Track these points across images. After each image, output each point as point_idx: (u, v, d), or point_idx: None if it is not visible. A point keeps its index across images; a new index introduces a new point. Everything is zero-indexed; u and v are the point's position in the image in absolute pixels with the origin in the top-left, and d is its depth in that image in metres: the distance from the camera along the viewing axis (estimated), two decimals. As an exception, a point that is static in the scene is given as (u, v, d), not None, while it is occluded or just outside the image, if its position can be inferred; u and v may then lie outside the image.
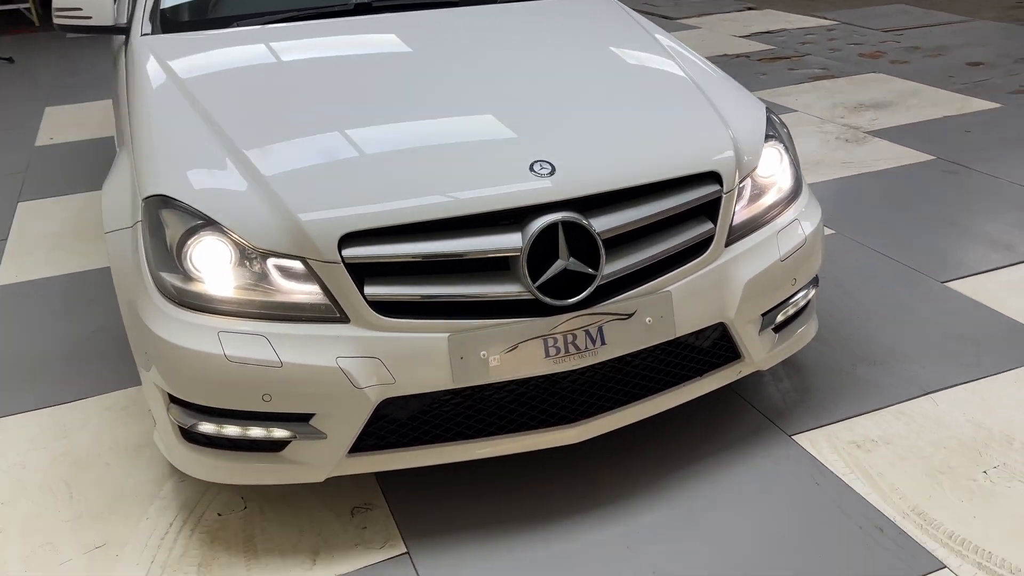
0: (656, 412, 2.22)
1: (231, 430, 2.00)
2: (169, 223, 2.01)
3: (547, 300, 1.97)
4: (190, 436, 2.08)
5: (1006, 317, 3.00)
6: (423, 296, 1.95)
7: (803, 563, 2.03)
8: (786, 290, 2.32)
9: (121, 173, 2.28)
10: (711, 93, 2.48)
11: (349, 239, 1.93)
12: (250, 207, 1.98)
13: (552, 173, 2.03)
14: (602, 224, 2.01)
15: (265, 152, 2.11)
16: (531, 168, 2.04)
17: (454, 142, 2.14)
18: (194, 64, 2.55)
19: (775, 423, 2.50)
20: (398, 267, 1.96)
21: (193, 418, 2.02)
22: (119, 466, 2.47)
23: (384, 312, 1.94)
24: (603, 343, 2.04)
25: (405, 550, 2.13)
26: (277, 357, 1.90)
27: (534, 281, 1.96)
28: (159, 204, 2.04)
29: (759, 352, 2.31)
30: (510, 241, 1.96)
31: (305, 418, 1.97)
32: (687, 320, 2.13)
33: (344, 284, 1.93)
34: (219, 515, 2.27)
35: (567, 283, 1.99)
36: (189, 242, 1.97)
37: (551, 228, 1.96)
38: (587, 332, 2.03)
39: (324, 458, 2.02)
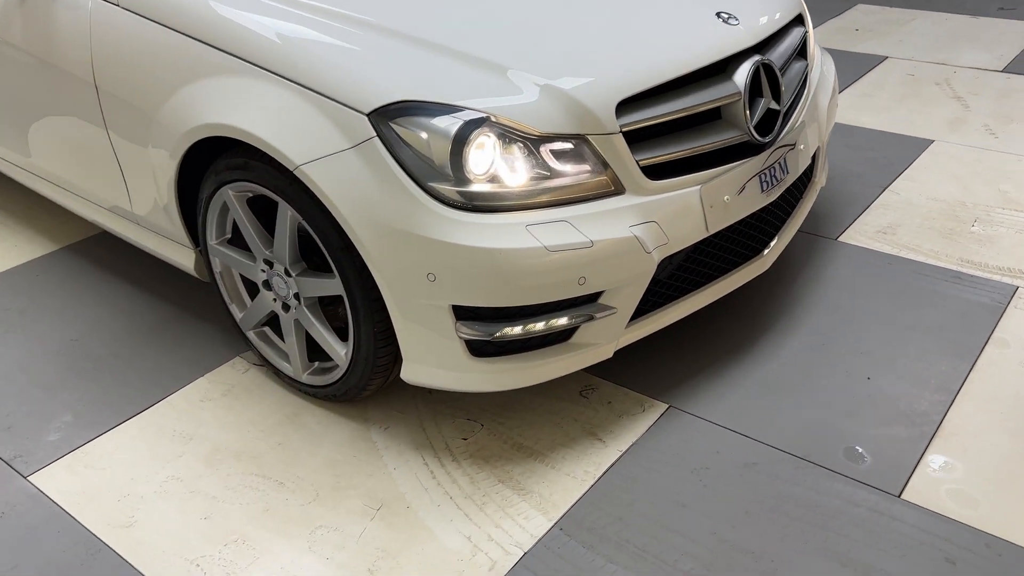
0: (797, 227, 2.53)
1: (528, 328, 1.94)
2: (429, 128, 1.84)
3: (759, 139, 2.18)
4: (479, 350, 1.96)
5: None
6: (674, 154, 2.04)
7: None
8: (833, 119, 2.74)
9: (266, 97, 1.97)
10: None
11: (621, 107, 1.95)
12: (515, 93, 1.89)
13: (738, 22, 2.21)
14: (775, 63, 2.25)
15: (485, 38, 2.00)
16: (721, 19, 2.19)
17: (642, 4, 2.21)
18: None
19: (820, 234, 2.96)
20: (652, 130, 2.03)
21: (489, 327, 1.92)
22: (302, 440, 2.19)
23: (650, 176, 2.00)
24: (786, 172, 2.31)
25: (666, 404, 2.24)
26: (587, 238, 1.89)
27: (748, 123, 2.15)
28: (404, 111, 1.85)
29: (822, 175, 2.72)
30: (730, 87, 2.12)
31: (595, 297, 1.98)
32: (811, 145, 2.46)
33: (622, 153, 1.95)
34: (464, 439, 2.16)
35: (764, 122, 2.21)
36: (470, 139, 1.83)
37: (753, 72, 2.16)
38: (780, 164, 2.27)
39: (610, 333, 2.04)
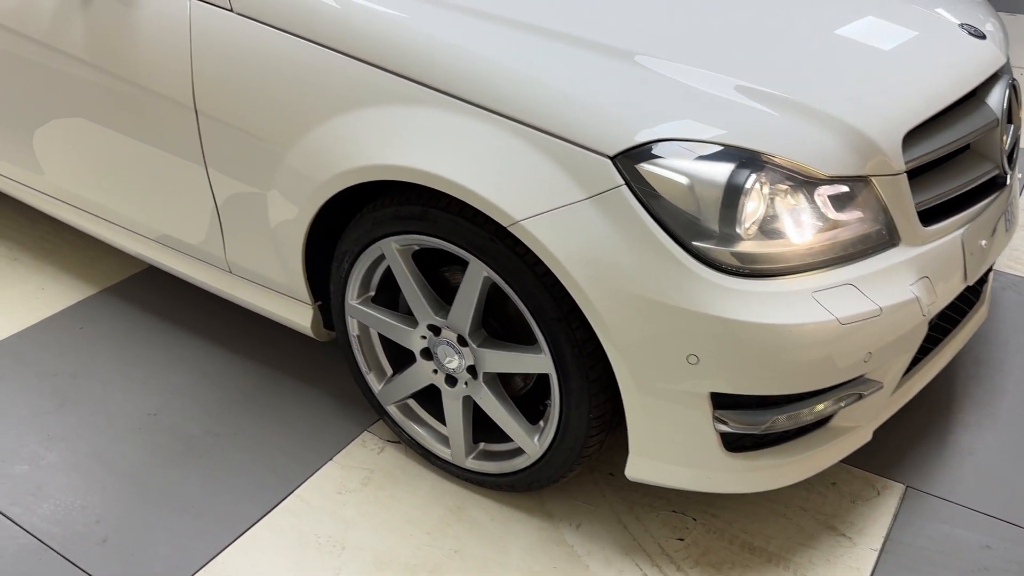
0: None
1: (796, 416, 1.58)
2: (693, 173, 1.46)
3: (1007, 170, 1.86)
4: (734, 444, 1.59)
5: None
6: (945, 195, 1.71)
7: None
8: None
9: (466, 135, 1.56)
10: None
11: (904, 141, 1.60)
12: (790, 127, 1.52)
13: (984, 36, 1.88)
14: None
15: (736, 58, 1.62)
16: (967, 32, 1.86)
17: (880, 17, 1.85)
18: None
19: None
20: (920, 168, 1.69)
21: (755, 417, 1.55)
22: (482, 544, 1.79)
23: (924, 221, 1.67)
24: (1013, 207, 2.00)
25: (902, 484, 1.91)
26: (876, 304, 1.54)
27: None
28: (659, 153, 1.46)
29: None
30: (988, 113, 1.79)
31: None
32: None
33: (904, 197, 1.61)
34: (680, 539, 1.80)
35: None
36: (746, 186, 1.46)
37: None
38: (1011, 199, 1.97)
39: (871, 412, 1.70)
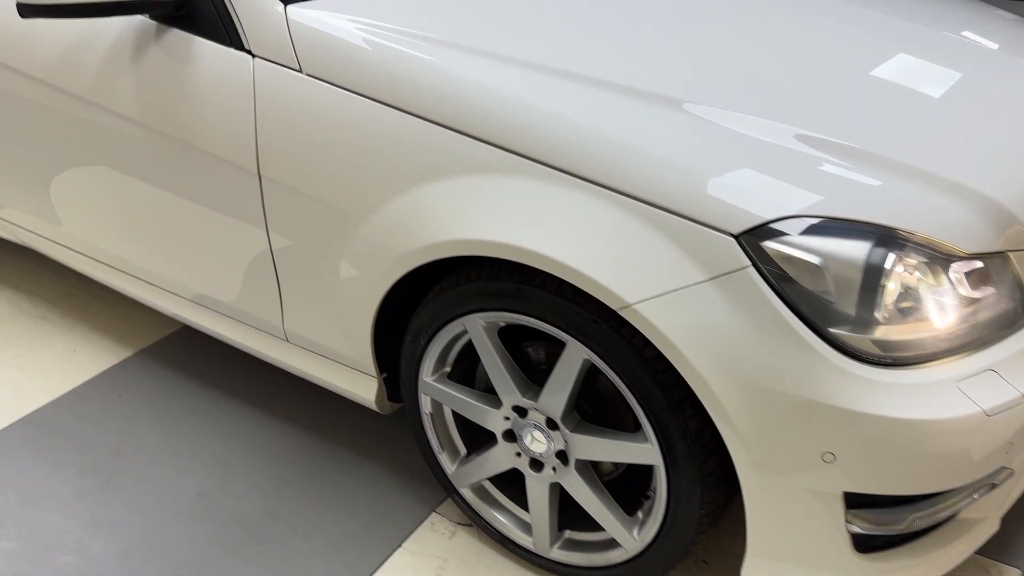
0: None
1: (933, 513, 1.45)
2: (828, 253, 1.33)
3: None
4: (864, 544, 1.46)
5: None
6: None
7: None
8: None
9: (569, 210, 1.44)
10: None
11: None
12: (925, 200, 1.40)
13: None
14: None
15: (854, 120, 1.51)
16: None
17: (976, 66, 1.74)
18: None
19: None
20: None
21: (891, 516, 1.42)
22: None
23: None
24: None
25: (1016, 569, 1.78)
26: (1018, 391, 1.41)
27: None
28: (788, 231, 1.34)
29: None
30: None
31: (994, 460, 1.51)
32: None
33: (1035, 270, 1.49)
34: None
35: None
36: (887, 266, 1.33)
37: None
38: None
39: (999, 501, 1.57)
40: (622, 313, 1.40)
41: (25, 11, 1.70)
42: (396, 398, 1.93)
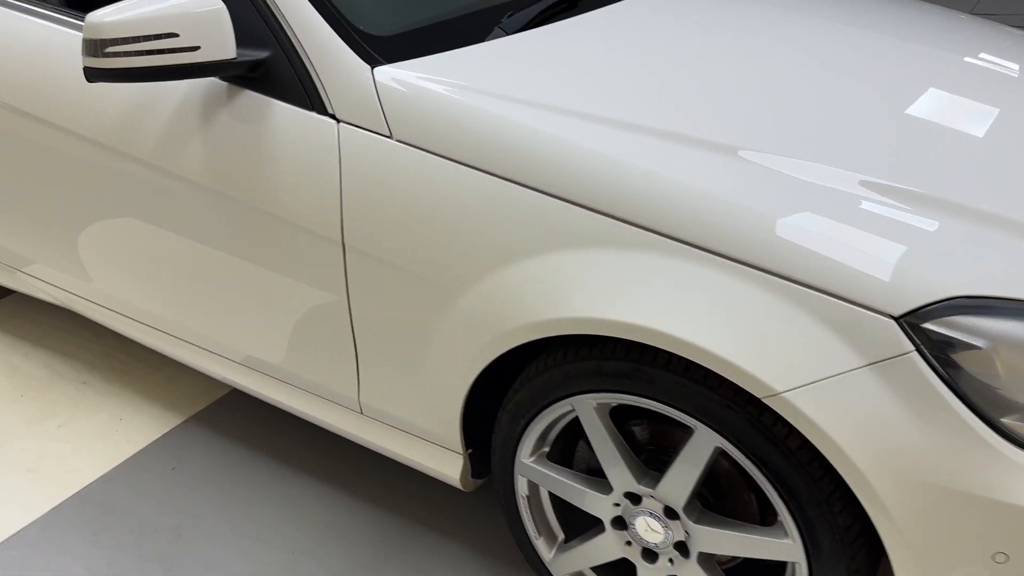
0: None
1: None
2: (999, 336, 1.22)
3: None
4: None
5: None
6: None
7: None
8: None
9: (704, 289, 1.32)
10: None
11: None
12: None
13: None
14: None
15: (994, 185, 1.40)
16: None
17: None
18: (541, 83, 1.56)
19: None
20: None
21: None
22: None
23: None
24: None
25: None
26: None
27: None
28: (953, 312, 1.23)
29: None
30: None
31: None
32: None
33: None
34: None
35: None
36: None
37: None
38: None
39: None
40: (767, 401, 1.28)
41: (93, 75, 1.59)
42: (479, 474, 1.81)
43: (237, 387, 2.06)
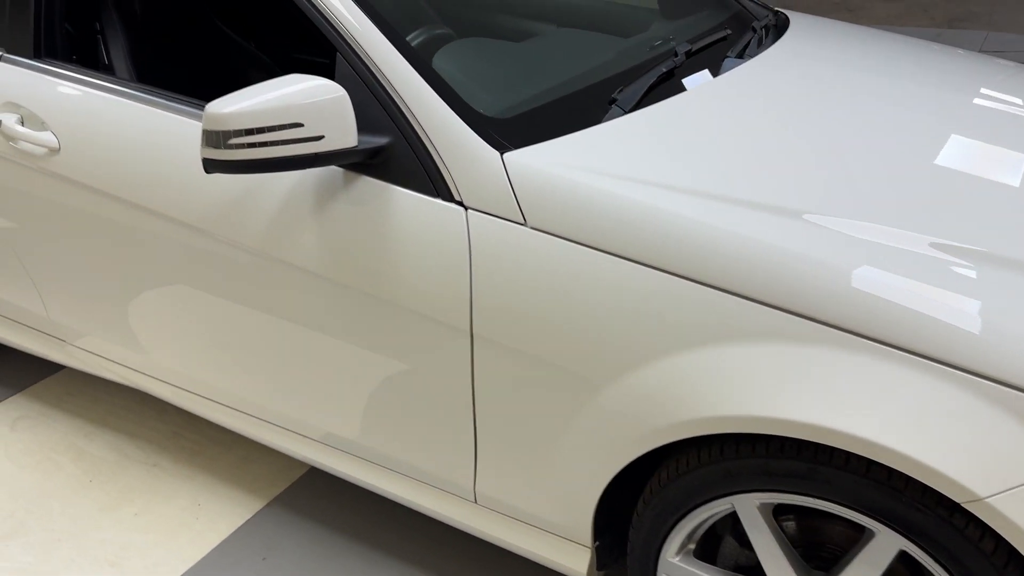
0: None
1: None
2: None
3: None
4: None
5: None
6: None
7: None
8: None
9: (894, 388, 1.26)
10: None
11: None
12: None
13: None
14: None
15: None
16: None
17: None
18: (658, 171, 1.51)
19: None
20: None
21: None
22: None
23: None
24: None
25: None
26: None
27: None
28: None
29: None
30: None
31: None
32: None
33: None
34: None
35: None
36: None
37: None
38: None
39: None
40: (968, 507, 1.21)
41: (212, 167, 1.53)
42: (602, 565, 1.73)
43: (334, 473, 1.98)
